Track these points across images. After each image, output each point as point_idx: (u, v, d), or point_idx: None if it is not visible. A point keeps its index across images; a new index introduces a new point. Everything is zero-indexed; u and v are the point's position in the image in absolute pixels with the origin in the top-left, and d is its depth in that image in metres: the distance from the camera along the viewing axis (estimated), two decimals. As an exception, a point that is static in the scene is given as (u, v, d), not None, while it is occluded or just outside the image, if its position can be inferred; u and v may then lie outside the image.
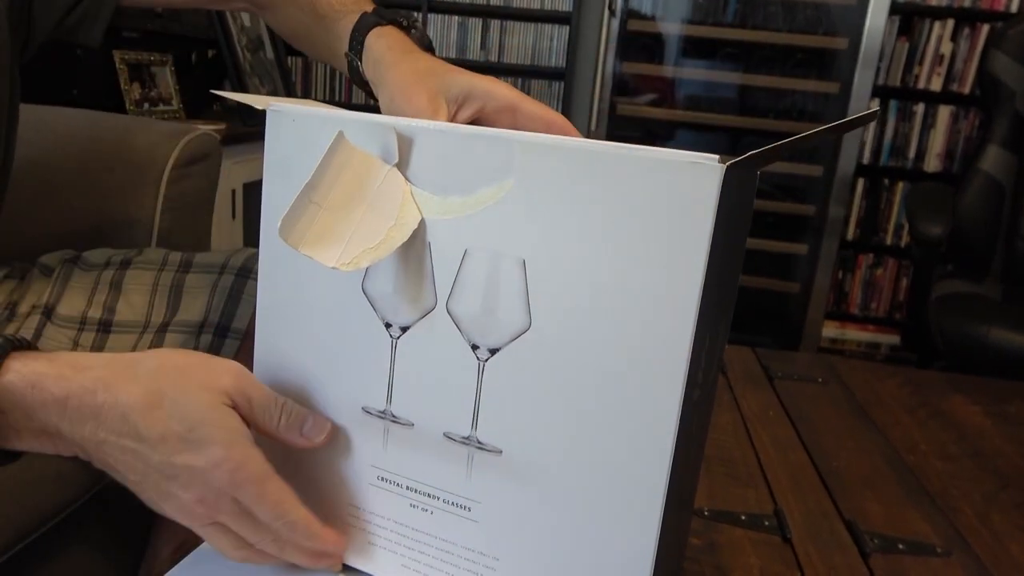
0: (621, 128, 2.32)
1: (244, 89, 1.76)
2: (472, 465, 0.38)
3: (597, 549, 0.36)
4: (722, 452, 0.70)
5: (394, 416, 0.39)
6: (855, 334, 2.52)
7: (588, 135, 2.26)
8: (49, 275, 0.82)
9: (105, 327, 0.80)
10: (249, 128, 1.74)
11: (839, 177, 2.14)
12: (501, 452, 0.37)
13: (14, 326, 0.77)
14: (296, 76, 2.63)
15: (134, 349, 0.79)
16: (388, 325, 0.38)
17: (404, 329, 0.37)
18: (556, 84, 2.59)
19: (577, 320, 0.34)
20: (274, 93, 1.98)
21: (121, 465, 0.38)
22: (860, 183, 2.42)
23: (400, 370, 0.38)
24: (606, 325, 0.33)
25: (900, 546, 0.57)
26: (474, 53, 2.60)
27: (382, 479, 0.40)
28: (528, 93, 2.63)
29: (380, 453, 0.40)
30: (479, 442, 0.37)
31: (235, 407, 0.39)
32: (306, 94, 2.65)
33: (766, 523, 0.59)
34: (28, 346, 0.39)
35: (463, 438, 0.38)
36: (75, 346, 0.78)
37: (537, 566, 0.36)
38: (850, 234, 2.47)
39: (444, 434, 0.38)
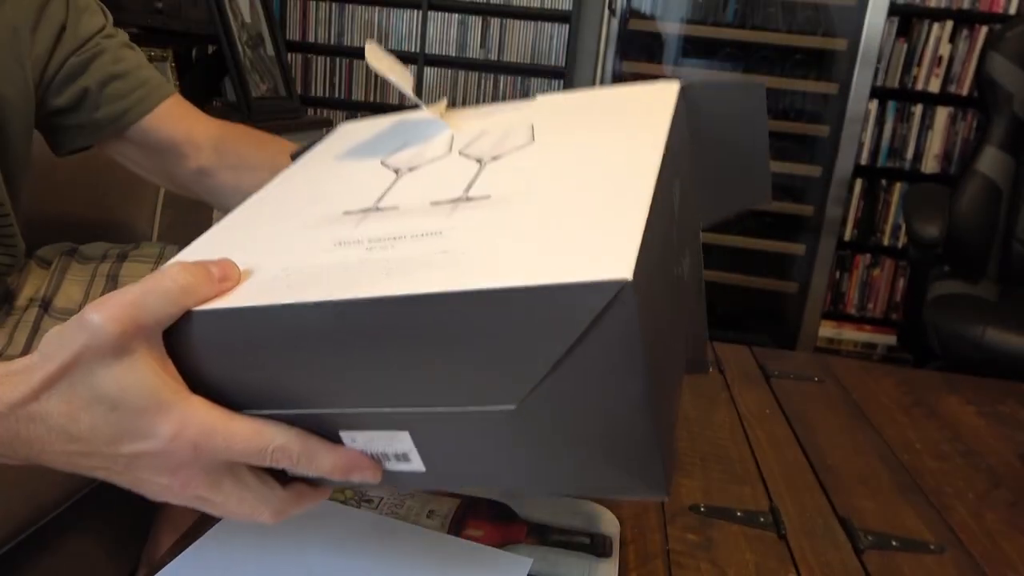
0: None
1: (244, 85, 1.76)
2: (455, 212, 0.35)
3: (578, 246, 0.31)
4: (718, 450, 0.70)
5: (378, 208, 0.37)
6: (852, 334, 2.53)
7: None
8: (47, 267, 0.82)
9: (104, 320, 0.80)
10: (249, 125, 1.74)
11: (837, 177, 2.15)
12: (489, 196, 0.35)
13: (12, 319, 0.78)
14: (296, 72, 2.63)
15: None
16: (397, 169, 0.42)
17: (411, 169, 0.41)
18: (556, 82, 2.59)
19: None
20: (274, 89, 1.98)
21: (75, 466, 0.34)
22: (858, 184, 2.43)
23: (397, 187, 0.40)
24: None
25: (894, 543, 0.58)
26: (474, 51, 2.60)
27: (339, 244, 0.34)
28: (528, 92, 2.63)
29: (347, 232, 0.35)
30: (468, 197, 0.36)
31: (133, 336, 0.31)
32: (305, 90, 2.65)
33: (761, 520, 0.59)
34: None
35: (452, 199, 0.36)
36: (74, 339, 0.79)
37: (507, 250, 0.30)
38: (847, 234, 2.48)
39: (431, 203, 0.36)
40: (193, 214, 1.05)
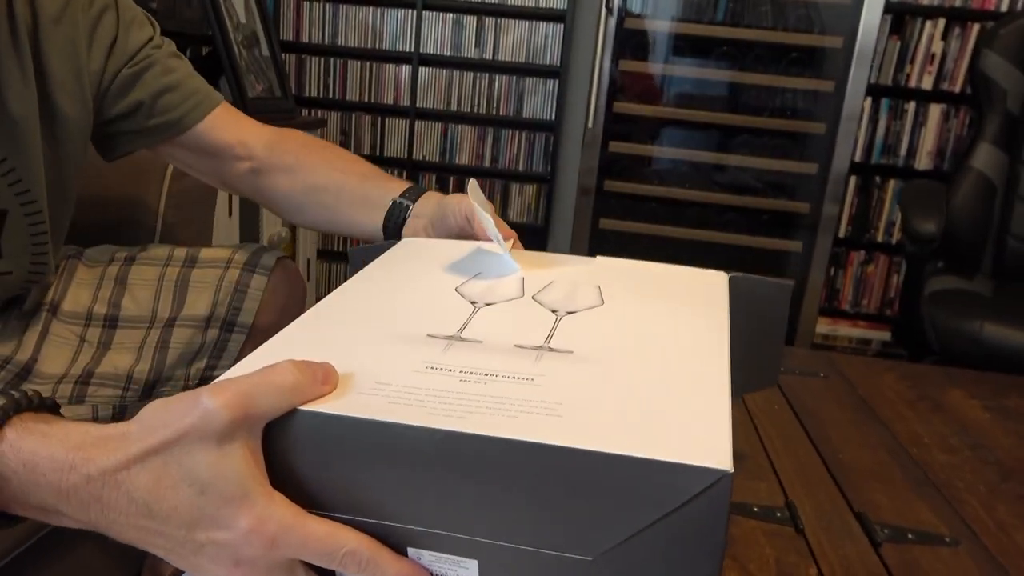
0: (618, 126, 2.33)
1: (240, 86, 1.75)
2: (540, 359, 0.37)
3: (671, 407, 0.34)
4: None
5: (462, 338, 0.39)
6: (847, 330, 2.55)
7: (585, 133, 2.27)
8: (53, 271, 0.81)
9: (111, 322, 0.80)
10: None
11: (833, 175, 2.16)
12: (572, 352, 0.38)
13: (21, 324, 0.77)
14: (290, 73, 2.62)
15: (142, 344, 0.79)
16: (474, 302, 0.44)
17: (488, 304, 0.44)
18: (551, 82, 2.59)
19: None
20: (269, 90, 1.97)
21: (141, 542, 0.34)
22: (852, 180, 2.44)
23: (476, 319, 0.42)
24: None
25: (910, 536, 0.58)
26: (468, 51, 2.60)
27: (431, 368, 0.36)
28: (523, 92, 2.62)
29: (435, 356, 0.37)
30: (551, 348, 0.38)
31: (240, 425, 0.32)
32: (300, 90, 2.64)
33: (778, 515, 0.59)
34: (32, 405, 0.35)
35: (535, 346, 0.38)
36: (81, 342, 0.78)
37: (605, 410, 0.33)
38: (842, 231, 2.49)
39: (515, 345, 0.38)
40: (196, 213, 1.04)
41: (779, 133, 2.38)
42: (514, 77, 2.60)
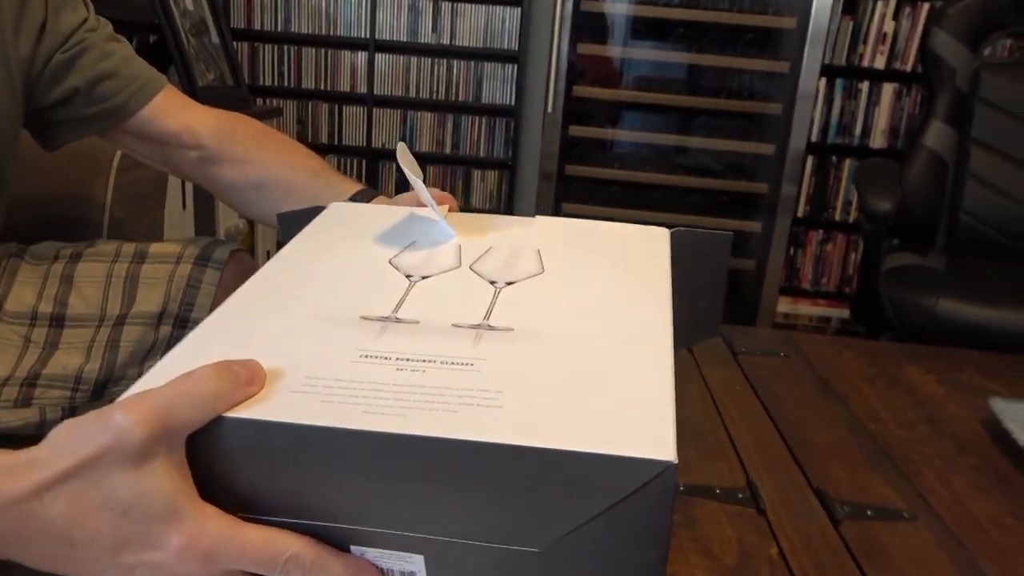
0: (577, 110, 2.32)
1: (190, 75, 1.70)
2: (479, 340, 0.36)
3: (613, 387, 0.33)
4: (693, 426, 0.71)
5: (398, 319, 0.38)
6: (807, 308, 2.59)
7: (544, 118, 2.26)
8: (-7, 267, 0.78)
9: (58, 322, 0.77)
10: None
11: (791, 155, 2.19)
12: (512, 329, 0.37)
13: (-41, 326, 0.74)
14: (243, 60, 2.56)
15: (91, 343, 0.76)
16: (409, 275, 0.42)
17: (424, 277, 0.42)
18: (509, 67, 2.58)
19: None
20: (220, 78, 1.92)
21: (67, 571, 0.31)
22: (809, 160, 2.48)
23: (412, 296, 0.40)
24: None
25: (869, 512, 0.59)
26: (425, 36, 2.56)
27: (366, 356, 0.34)
28: (482, 77, 2.60)
29: (370, 342, 0.36)
30: (489, 326, 0.37)
31: (158, 440, 0.30)
32: (253, 79, 2.58)
33: (740, 496, 0.60)
34: None
35: (472, 324, 0.37)
36: (27, 343, 0.75)
37: (546, 399, 0.32)
38: (800, 211, 2.53)
39: (452, 324, 0.37)
40: (145, 207, 1.01)
41: (737, 114, 2.40)
42: (472, 62, 2.58)
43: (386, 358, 0.34)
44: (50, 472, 0.30)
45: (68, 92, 0.71)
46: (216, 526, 0.31)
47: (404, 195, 0.65)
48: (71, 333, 0.77)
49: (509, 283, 0.42)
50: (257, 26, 2.55)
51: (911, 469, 0.66)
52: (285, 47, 2.57)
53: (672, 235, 0.49)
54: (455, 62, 2.58)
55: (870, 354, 0.96)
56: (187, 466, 0.31)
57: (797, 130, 2.16)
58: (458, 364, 0.34)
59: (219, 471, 0.31)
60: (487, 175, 2.70)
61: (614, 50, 2.44)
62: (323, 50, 2.58)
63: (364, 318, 0.37)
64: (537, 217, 0.52)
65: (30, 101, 0.70)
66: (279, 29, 2.56)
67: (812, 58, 2.12)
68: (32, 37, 0.68)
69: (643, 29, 2.41)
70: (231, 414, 0.30)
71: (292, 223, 0.51)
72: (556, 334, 0.37)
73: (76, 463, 0.30)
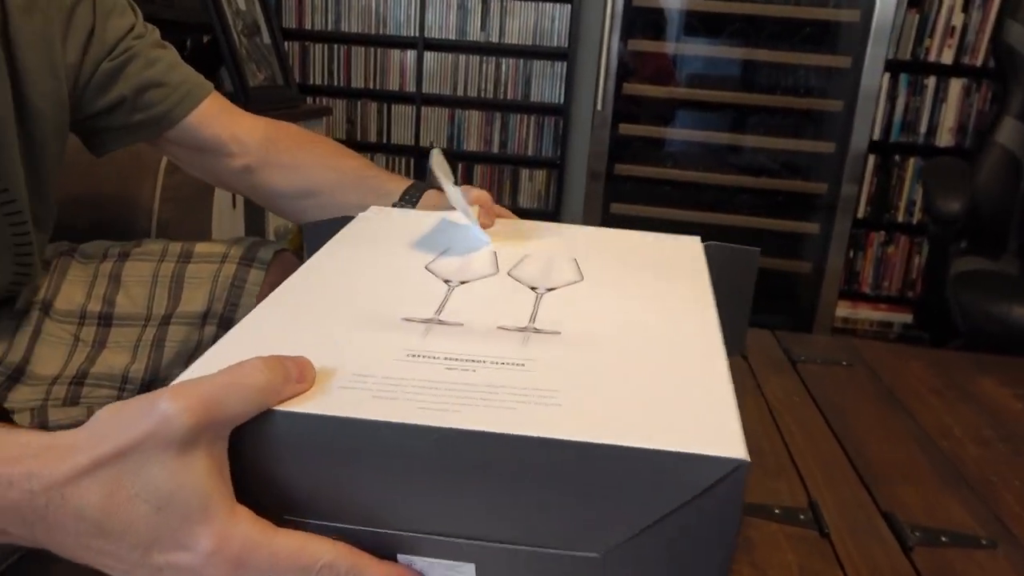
0: (628, 108, 2.28)
1: (241, 75, 1.72)
2: (528, 342, 0.35)
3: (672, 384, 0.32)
4: (750, 441, 0.67)
5: (440, 321, 0.36)
6: (867, 313, 2.49)
7: (594, 116, 2.22)
8: (46, 269, 0.79)
9: (106, 320, 0.77)
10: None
11: (851, 154, 2.10)
12: (560, 333, 0.36)
13: (12, 324, 0.75)
14: (294, 60, 2.59)
15: (137, 342, 0.76)
16: (448, 281, 0.41)
17: (463, 283, 0.41)
18: (559, 64, 2.55)
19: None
20: (271, 78, 1.94)
21: (93, 563, 0.30)
22: (871, 160, 2.38)
23: (453, 300, 0.39)
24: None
25: (943, 538, 0.54)
26: (474, 34, 2.55)
27: (413, 356, 0.33)
28: (531, 75, 2.58)
29: (415, 342, 0.34)
30: (536, 329, 0.36)
31: (203, 431, 0.29)
32: (304, 78, 2.61)
33: (801, 517, 0.56)
34: None
35: (518, 327, 0.36)
36: (76, 341, 0.76)
37: (605, 398, 0.30)
38: (861, 212, 2.43)
39: (498, 327, 0.36)
40: (193, 207, 1.01)
41: (794, 112, 2.32)
42: (521, 60, 2.56)
43: (434, 357, 0.33)
44: (86, 458, 0.28)
45: (115, 100, 0.71)
46: (248, 530, 0.29)
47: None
48: (118, 332, 0.77)
49: (550, 289, 0.40)
50: (308, 26, 2.58)
51: (989, 492, 0.61)
52: (335, 46, 2.59)
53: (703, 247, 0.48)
54: (504, 60, 2.56)
55: (939, 364, 0.91)
56: (227, 463, 0.30)
57: (858, 128, 2.08)
58: (509, 364, 0.32)
59: (262, 469, 0.30)
60: (535, 174, 2.67)
61: (666, 46, 2.38)
62: (372, 49, 2.59)
63: (407, 320, 0.36)
64: (567, 225, 0.51)
65: (77, 109, 0.70)
66: (329, 28, 2.58)
67: (876, 53, 2.03)
68: (80, 45, 0.69)
69: (696, 24, 2.35)
70: (282, 408, 0.29)
71: (317, 234, 0.50)
72: (605, 337, 0.35)
73: (115, 449, 0.28)
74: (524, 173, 2.67)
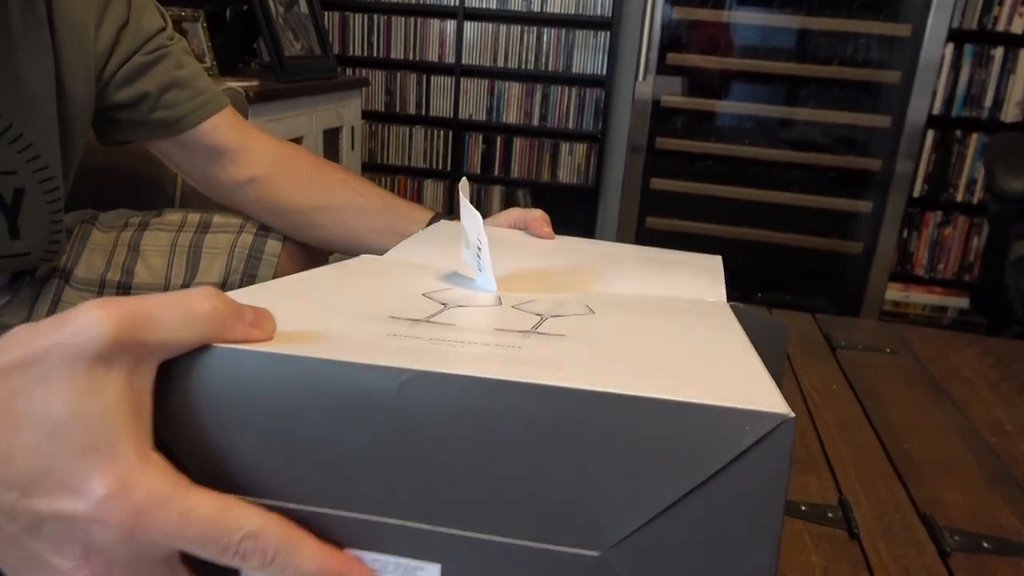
0: (671, 79, 2.21)
1: (277, 45, 1.71)
2: (527, 338, 0.30)
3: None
4: (779, 431, 0.63)
5: (431, 321, 0.32)
6: (920, 296, 2.39)
7: (635, 86, 2.15)
8: (67, 237, 0.79)
9: (125, 290, 0.77)
10: (282, 85, 1.70)
11: (908, 129, 2.00)
12: (565, 336, 0.31)
13: (32, 292, 0.75)
14: (333, 32, 2.57)
15: (153, 314, 0.76)
16: (444, 304, 0.36)
17: (460, 306, 0.36)
18: (602, 34, 2.48)
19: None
20: (309, 49, 1.92)
21: None
22: (930, 135, 2.26)
23: (448, 312, 0.34)
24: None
25: (985, 544, 0.50)
26: (516, 3, 2.49)
27: (394, 335, 0.28)
28: (572, 45, 2.51)
29: (401, 329, 0.30)
30: (539, 332, 0.31)
31: (125, 349, 0.24)
32: (343, 48, 2.59)
33: (830, 515, 0.52)
34: None
35: (519, 331, 0.31)
36: (95, 310, 0.76)
37: (623, 363, 0.27)
38: (917, 190, 2.32)
39: (495, 329, 0.31)
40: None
41: (848, 84, 2.21)
42: (563, 30, 2.49)
43: (419, 338, 0.28)
44: None
45: (139, 95, 0.72)
46: (157, 481, 0.23)
47: (502, 214, 0.65)
48: (136, 301, 0.77)
49: (556, 316, 0.35)
50: (349, -5, 2.56)
51: (1041, 495, 0.57)
52: (375, 16, 2.57)
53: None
54: (545, 30, 2.50)
55: (994, 353, 0.85)
56: (150, 400, 0.25)
57: (917, 101, 1.97)
58: (506, 347, 0.27)
59: (190, 420, 0.25)
60: (575, 148, 2.62)
61: (714, 14, 2.29)
62: (412, 19, 2.56)
63: (394, 317, 0.31)
64: (596, 287, 0.45)
65: (99, 97, 0.71)
66: (370, -1, 2.55)
67: (938, 21, 1.91)
68: (112, 34, 0.70)
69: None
70: (223, 344, 0.24)
71: None
72: (617, 339, 0.31)
73: (13, 360, 0.23)
74: (564, 147, 2.62)
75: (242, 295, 0.30)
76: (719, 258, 0.54)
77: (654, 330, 0.34)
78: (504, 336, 0.29)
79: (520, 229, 0.65)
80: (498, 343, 0.28)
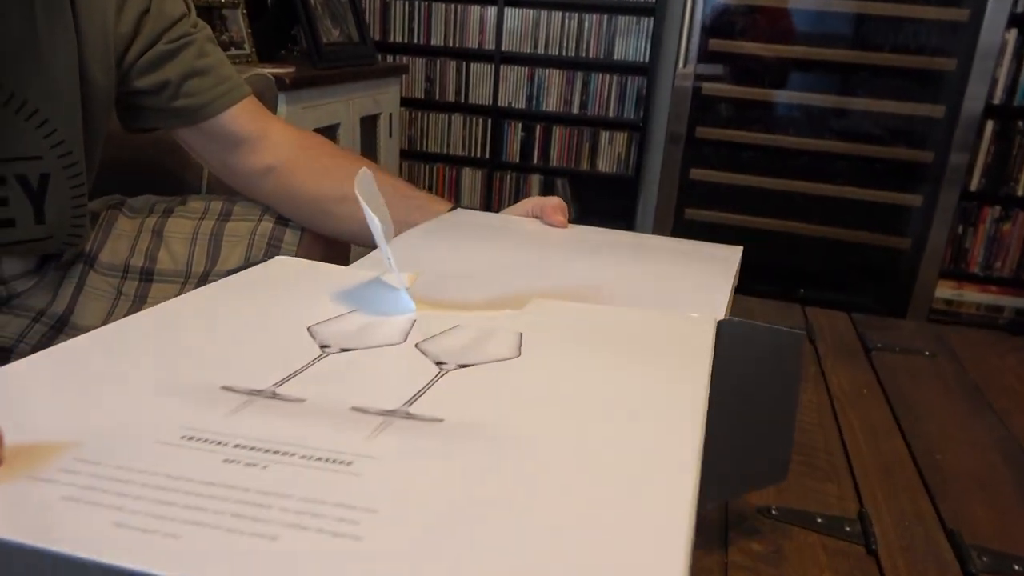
0: (713, 67, 2.14)
1: (315, 32, 1.71)
2: (381, 432, 0.25)
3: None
4: (801, 436, 0.60)
5: (275, 394, 0.27)
6: (973, 295, 2.29)
7: (675, 74, 2.10)
8: (94, 222, 0.80)
9: (147, 276, 0.78)
10: (319, 72, 1.70)
11: (964, 119, 1.90)
12: (442, 420, 0.26)
13: (57, 275, 0.76)
14: (375, 19, 2.57)
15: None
16: (325, 346, 0.31)
17: (345, 350, 0.31)
18: (645, 20, 2.42)
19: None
20: (348, 37, 1.92)
21: None
22: (988, 126, 2.16)
23: (313, 370, 0.29)
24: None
25: (1015, 567, 0.47)
26: (558, -11, 2.46)
27: (190, 438, 0.24)
28: (615, 32, 2.46)
29: (208, 419, 0.25)
30: (408, 413, 0.26)
31: None
32: (384, 35, 2.59)
33: (847, 528, 0.49)
34: None
35: (384, 410, 0.26)
36: (118, 294, 0.77)
37: (435, 538, 0.20)
38: (973, 184, 2.22)
39: (352, 408, 0.26)
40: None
41: (899, 72, 2.12)
42: (605, 16, 2.45)
43: (217, 443, 0.23)
44: None
45: (159, 83, 0.72)
46: None
47: (518, 205, 0.64)
48: (158, 288, 0.78)
49: (462, 365, 0.30)
50: (390, -19, 2.55)
51: (1083, 515, 0.53)
52: (415, 3, 2.56)
53: (720, 327, 0.36)
54: (587, 16, 2.46)
55: (1042, 359, 0.80)
56: None
57: (974, 90, 1.88)
58: (327, 461, 0.22)
59: None
60: (615, 137, 2.57)
61: (759, 0, 2.22)
62: (453, 5, 2.54)
63: (227, 388, 0.27)
64: (554, 302, 0.39)
65: (121, 82, 0.71)
66: (411, -15, 2.54)
67: (998, 6, 1.82)
68: (133, 19, 0.70)
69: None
70: None
71: None
72: (507, 432, 0.25)
73: None
74: (604, 135, 2.58)
75: (46, 368, 0.28)
76: (739, 249, 0.50)
77: (576, 398, 0.28)
78: (350, 431, 0.24)
79: (536, 217, 0.64)
80: (326, 453, 0.23)
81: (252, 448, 0.23)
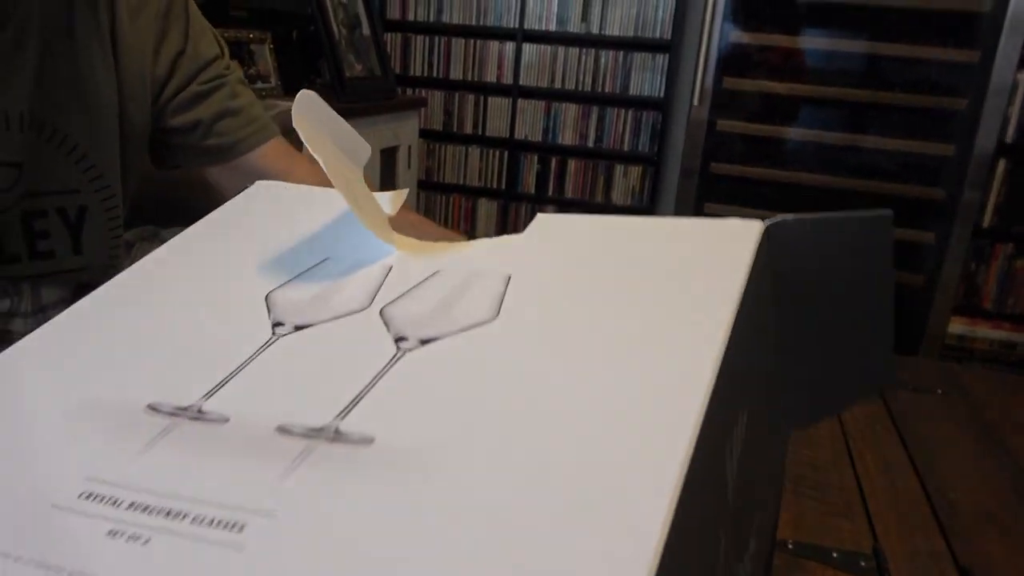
0: (727, 103, 2.18)
1: (339, 66, 1.76)
2: (300, 463, 0.20)
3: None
4: (816, 473, 0.62)
5: (200, 412, 0.23)
6: (986, 332, 2.29)
7: (690, 110, 2.14)
8: (128, 250, 0.83)
9: (177, 305, 0.81)
10: (342, 105, 1.75)
11: (976, 157, 1.93)
12: (372, 441, 0.21)
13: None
14: (395, 52, 2.63)
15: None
16: (279, 324, 0.27)
17: (299, 328, 0.27)
18: (660, 57, 2.47)
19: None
20: (370, 71, 1.98)
21: None
22: (1001, 164, 2.18)
23: (257, 364, 0.25)
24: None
25: (1030, 605, 0.48)
26: (575, 25, 2.51)
27: (89, 496, 0.20)
28: (630, 67, 2.50)
29: (116, 464, 0.21)
30: (337, 431, 0.21)
31: None
32: (404, 69, 2.65)
33: (862, 564, 0.50)
34: None
35: (310, 429, 0.22)
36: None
37: None
38: (986, 221, 2.23)
39: (278, 427, 0.22)
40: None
41: (908, 110, 2.15)
42: (621, 52, 2.50)
43: (115, 502, 0.20)
44: None
45: (191, 122, 0.74)
46: None
47: None
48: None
49: (425, 341, 0.25)
50: (411, 17, 2.62)
51: (1096, 555, 0.54)
52: (436, 38, 2.62)
53: (774, 230, 0.29)
54: (603, 52, 2.51)
55: (1056, 399, 0.81)
56: None
57: (986, 128, 1.90)
58: (217, 526, 0.18)
59: None
60: (630, 170, 2.61)
61: (774, 39, 2.26)
62: (472, 40, 2.60)
63: (152, 408, 0.23)
64: (546, 218, 0.32)
65: (156, 121, 0.74)
66: (431, 20, 2.60)
67: (1010, 46, 1.85)
68: (169, 60, 0.72)
69: (812, 14, 2.21)
70: None
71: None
72: (445, 461, 0.20)
73: None
74: (619, 169, 2.62)
75: None
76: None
77: (548, 386, 0.22)
78: (262, 468, 0.20)
79: None
80: (218, 513, 0.19)
81: (146, 509, 0.19)
